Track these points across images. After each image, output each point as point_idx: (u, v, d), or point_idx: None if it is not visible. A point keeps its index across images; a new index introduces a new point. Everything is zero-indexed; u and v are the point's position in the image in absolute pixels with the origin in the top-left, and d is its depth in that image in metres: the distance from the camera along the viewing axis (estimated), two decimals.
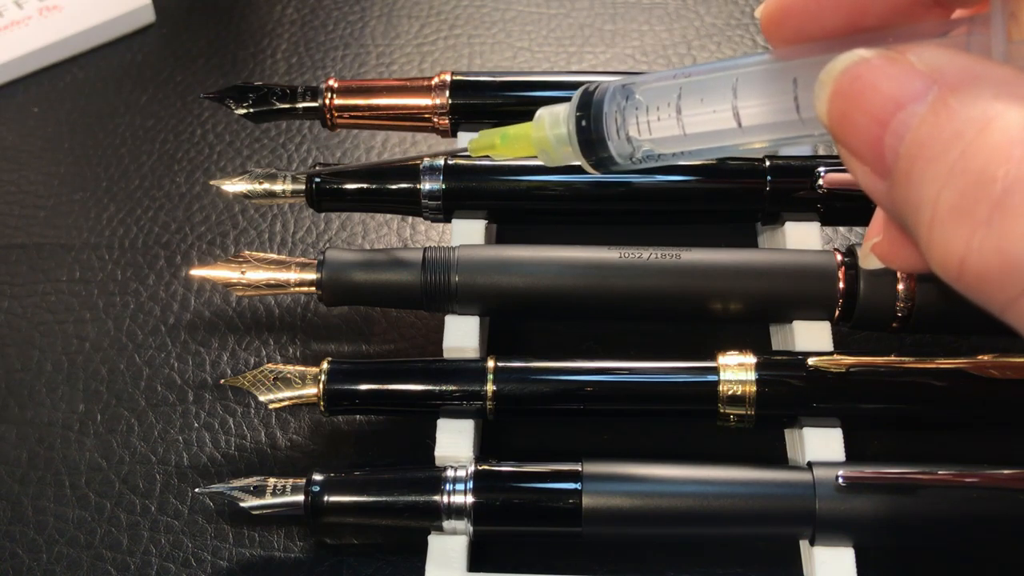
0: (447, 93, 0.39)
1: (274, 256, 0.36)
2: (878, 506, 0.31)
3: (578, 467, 0.32)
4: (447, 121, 0.39)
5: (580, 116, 0.26)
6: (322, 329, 0.40)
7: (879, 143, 0.20)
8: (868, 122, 0.20)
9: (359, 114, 0.39)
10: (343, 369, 0.34)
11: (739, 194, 0.37)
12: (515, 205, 0.38)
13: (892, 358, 0.33)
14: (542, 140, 0.27)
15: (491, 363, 0.34)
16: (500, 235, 0.40)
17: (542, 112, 0.27)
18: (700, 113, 0.24)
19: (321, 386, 0.34)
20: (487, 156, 0.29)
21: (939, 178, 0.18)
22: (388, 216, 0.43)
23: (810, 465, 0.32)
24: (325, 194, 0.37)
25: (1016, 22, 0.20)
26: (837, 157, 0.40)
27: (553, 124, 0.27)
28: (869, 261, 0.26)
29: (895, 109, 0.19)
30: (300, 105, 0.39)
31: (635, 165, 0.26)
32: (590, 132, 0.26)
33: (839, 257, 0.35)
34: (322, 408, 0.34)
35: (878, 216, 0.26)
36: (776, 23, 0.23)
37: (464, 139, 0.39)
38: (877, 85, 0.20)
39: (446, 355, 0.35)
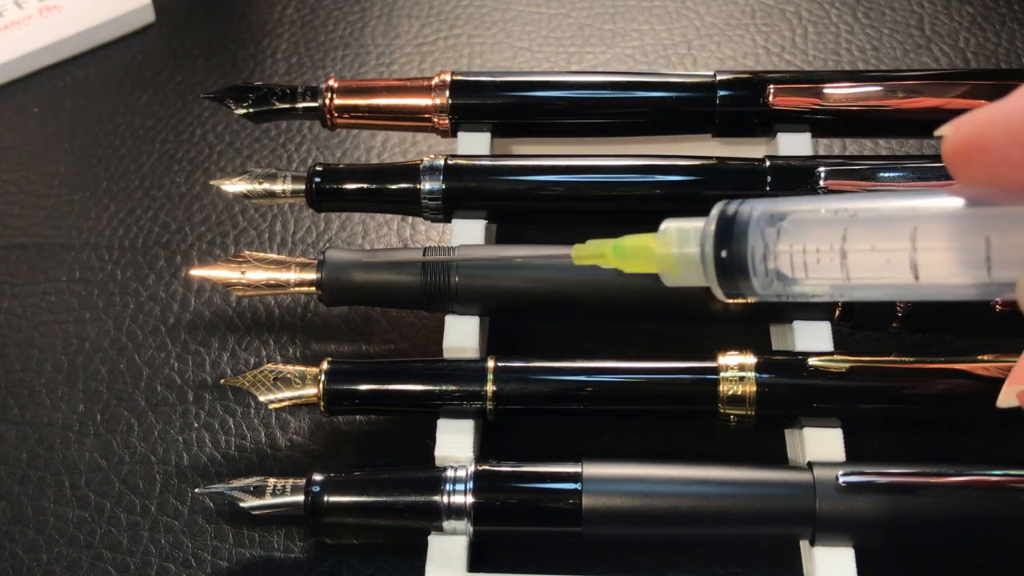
0: (447, 93, 0.39)
1: (274, 256, 0.36)
2: (878, 506, 0.31)
3: (578, 467, 0.32)
4: (447, 121, 0.39)
5: (719, 241, 0.23)
6: (322, 329, 0.40)
7: None
8: None
9: (359, 114, 0.39)
10: (343, 369, 0.34)
11: (740, 196, 0.37)
12: (515, 205, 0.38)
13: (892, 358, 0.33)
14: (666, 258, 0.24)
15: (491, 363, 0.34)
16: (500, 235, 0.40)
17: (668, 226, 0.24)
18: (871, 262, 0.21)
19: (321, 386, 0.34)
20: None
21: None
22: (388, 216, 0.43)
23: (810, 465, 0.32)
24: (325, 194, 0.37)
25: None
26: (837, 157, 0.40)
27: (681, 241, 0.24)
28: (1008, 401, 0.24)
29: None
30: (300, 105, 0.39)
31: (777, 299, 0.23)
32: (731, 261, 0.23)
33: None
34: (322, 408, 0.34)
35: None
36: (966, 159, 0.20)
37: (464, 139, 0.39)
38: None
39: (446, 355, 0.35)
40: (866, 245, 0.21)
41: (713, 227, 0.23)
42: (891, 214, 0.21)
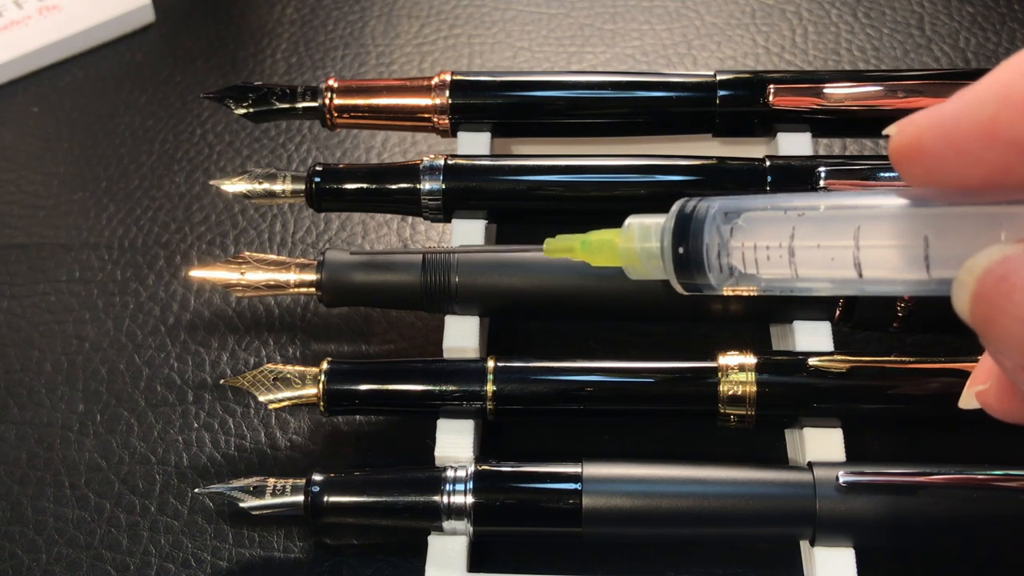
0: (447, 93, 0.39)
1: (274, 257, 0.36)
2: (878, 506, 0.31)
3: (578, 467, 0.32)
4: (447, 121, 0.39)
5: (677, 237, 0.24)
6: (322, 329, 0.39)
7: None
8: (1022, 328, 0.18)
9: (359, 114, 0.39)
10: (343, 369, 0.34)
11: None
12: (515, 205, 0.38)
13: (892, 358, 0.33)
14: (629, 252, 0.25)
15: (491, 363, 0.34)
16: (500, 235, 0.40)
17: (631, 221, 0.25)
18: (817, 259, 0.22)
19: (321, 386, 0.34)
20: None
21: None
22: (388, 216, 0.43)
23: (810, 465, 0.32)
24: (325, 194, 0.37)
25: None
26: (837, 157, 0.40)
27: (643, 236, 0.25)
28: (969, 402, 0.24)
29: None
30: (300, 105, 0.39)
31: (733, 293, 0.24)
32: (688, 257, 0.24)
33: None
34: (322, 408, 0.34)
35: (986, 362, 0.24)
36: (907, 159, 0.20)
37: (464, 139, 0.39)
38: None
39: (446, 355, 0.35)
40: (812, 243, 0.22)
41: (672, 223, 0.24)
42: (836, 213, 0.22)
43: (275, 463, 0.36)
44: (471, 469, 0.32)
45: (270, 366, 0.34)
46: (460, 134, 0.39)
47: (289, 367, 0.34)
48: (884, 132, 0.21)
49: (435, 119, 0.39)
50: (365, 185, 0.37)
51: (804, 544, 0.33)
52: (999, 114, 0.19)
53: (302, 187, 0.37)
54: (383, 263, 0.36)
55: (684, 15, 0.50)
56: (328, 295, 0.36)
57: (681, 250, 0.24)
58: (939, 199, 0.20)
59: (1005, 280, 0.18)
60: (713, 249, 0.23)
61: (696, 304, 0.35)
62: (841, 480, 0.31)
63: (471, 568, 0.32)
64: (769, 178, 0.36)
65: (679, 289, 0.25)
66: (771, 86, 0.38)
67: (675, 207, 0.24)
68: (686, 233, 0.24)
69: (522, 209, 0.38)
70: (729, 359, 0.33)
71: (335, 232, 0.43)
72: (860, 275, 0.21)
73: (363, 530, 0.34)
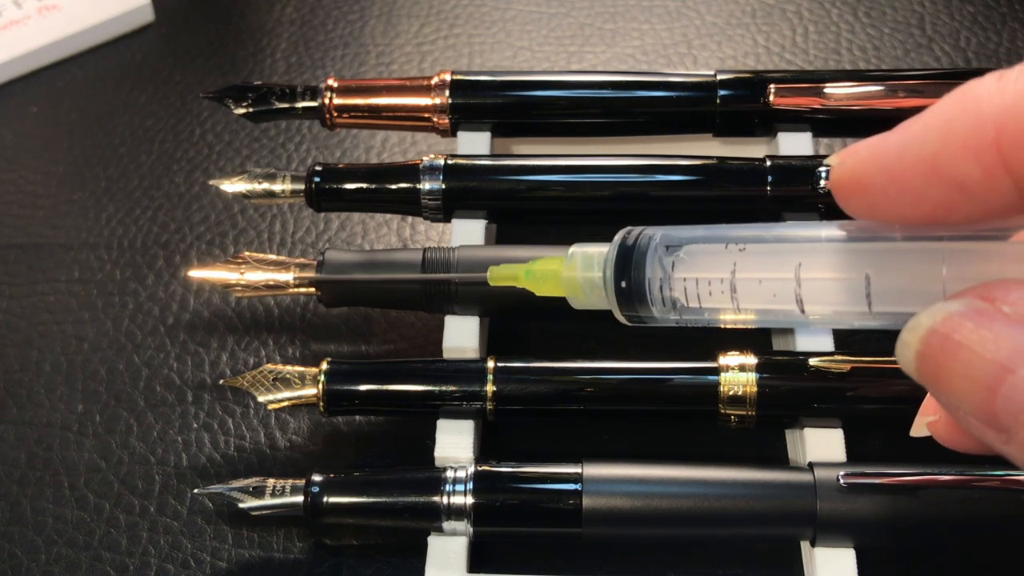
0: (447, 92, 0.39)
1: (273, 257, 0.36)
2: (879, 507, 0.31)
3: (578, 468, 0.32)
4: (447, 120, 0.39)
5: (619, 268, 0.23)
6: (322, 329, 0.39)
7: (990, 406, 0.18)
8: (972, 386, 0.18)
9: (359, 114, 0.39)
10: (343, 370, 0.34)
11: (740, 196, 0.37)
12: (515, 205, 0.37)
13: (892, 358, 0.33)
14: (572, 282, 0.25)
15: (491, 363, 0.34)
16: (500, 235, 0.40)
17: (575, 250, 0.25)
18: (758, 293, 0.22)
19: (320, 386, 0.34)
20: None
21: None
22: (388, 216, 0.43)
23: (811, 465, 0.32)
24: (324, 194, 0.37)
25: None
26: None
27: (586, 266, 0.24)
28: (920, 431, 0.24)
29: (1003, 374, 0.17)
30: (299, 105, 0.39)
31: (677, 325, 0.24)
32: (630, 289, 0.23)
33: None
34: (321, 409, 0.34)
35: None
36: (849, 193, 0.20)
37: (464, 139, 0.39)
38: (974, 349, 0.18)
39: (446, 355, 0.35)
40: (754, 278, 0.22)
41: (614, 254, 0.24)
42: (777, 248, 0.22)
43: (275, 463, 0.36)
44: (471, 470, 0.32)
45: (269, 366, 0.34)
46: (460, 134, 0.39)
47: (288, 367, 0.34)
48: (825, 162, 0.21)
49: (435, 119, 0.39)
50: (365, 185, 0.37)
51: (804, 544, 0.33)
52: (941, 151, 0.19)
53: (302, 187, 0.37)
54: (383, 263, 0.36)
55: (684, 15, 0.50)
56: (328, 295, 0.36)
57: (624, 283, 0.23)
58: (881, 231, 0.20)
59: (949, 339, 0.18)
60: (655, 282, 0.23)
61: None
62: (842, 480, 0.31)
63: (471, 568, 0.32)
64: (769, 178, 0.36)
65: (623, 320, 0.24)
66: (771, 86, 0.38)
67: (617, 237, 0.24)
68: (628, 265, 0.23)
69: (522, 209, 0.38)
70: (729, 359, 0.33)
71: (335, 232, 0.43)
72: (803, 311, 0.21)
73: (363, 530, 0.34)
